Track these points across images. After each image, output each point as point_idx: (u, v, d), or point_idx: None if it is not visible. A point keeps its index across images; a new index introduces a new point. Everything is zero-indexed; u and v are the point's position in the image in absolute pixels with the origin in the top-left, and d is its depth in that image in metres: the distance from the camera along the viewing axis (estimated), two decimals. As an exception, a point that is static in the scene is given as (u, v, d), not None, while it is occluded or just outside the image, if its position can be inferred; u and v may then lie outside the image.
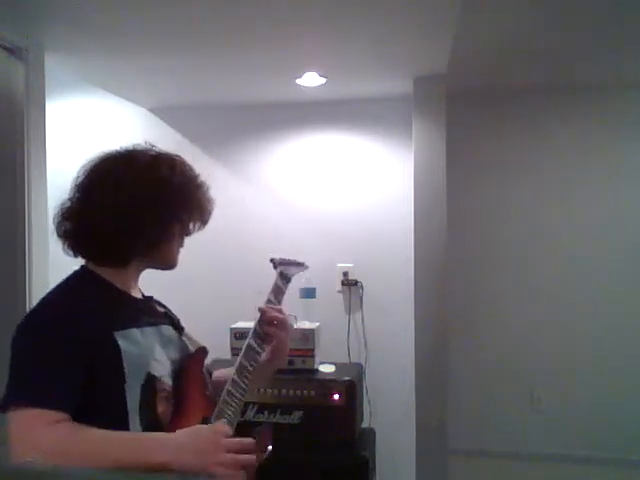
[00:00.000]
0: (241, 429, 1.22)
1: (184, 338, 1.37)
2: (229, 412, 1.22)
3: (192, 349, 1.36)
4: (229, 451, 1.10)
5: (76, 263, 1.29)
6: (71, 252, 1.27)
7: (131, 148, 1.31)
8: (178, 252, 1.33)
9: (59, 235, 1.26)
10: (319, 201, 3.23)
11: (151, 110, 3.33)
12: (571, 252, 3.23)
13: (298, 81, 2.80)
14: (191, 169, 1.33)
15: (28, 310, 1.23)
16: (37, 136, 2.32)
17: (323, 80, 2.79)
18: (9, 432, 1.04)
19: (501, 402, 3.27)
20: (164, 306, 1.45)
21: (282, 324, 1.36)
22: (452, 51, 2.45)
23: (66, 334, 1.11)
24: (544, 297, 3.25)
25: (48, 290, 1.24)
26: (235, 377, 1.26)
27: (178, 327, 1.39)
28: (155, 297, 1.42)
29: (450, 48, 2.41)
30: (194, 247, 1.43)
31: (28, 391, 1.07)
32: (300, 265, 1.53)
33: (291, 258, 1.51)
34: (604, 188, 3.22)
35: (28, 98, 2.27)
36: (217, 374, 1.45)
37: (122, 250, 1.25)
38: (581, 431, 3.18)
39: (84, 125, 3.34)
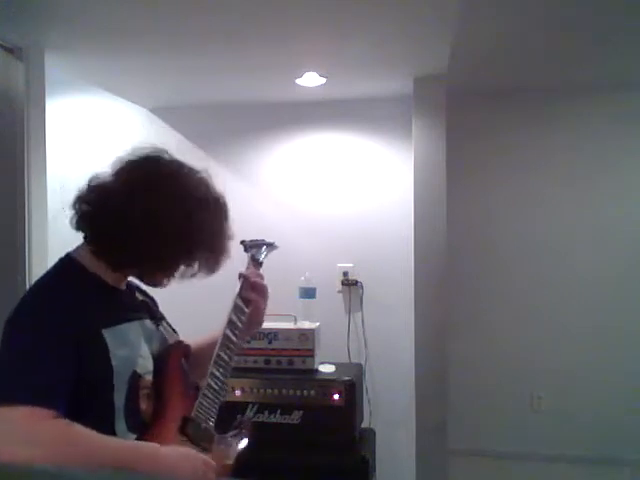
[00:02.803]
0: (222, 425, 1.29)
1: (161, 329, 1.35)
2: (219, 373, 1.27)
3: (170, 341, 1.34)
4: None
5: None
6: (76, 228, 1.21)
7: (172, 164, 1.24)
8: (168, 281, 1.27)
9: (74, 208, 1.19)
10: (319, 201, 3.23)
11: (151, 110, 3.33)
12: (572, 252, 3.23)
13: (298, 81, 2.80)
14: (226, 207, 1.26)
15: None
16: (37, 136, 2.32)
17: (323, 80, 2.79)
18: None
19: (501, 402, 3.27)
20: (143, 291, 1.42)
21: (262, 290, 1.41)
22: (452, 51, 2.45)
23: (57, 332, 1.09)
24: (544, 297, 3.24)
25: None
26: (219, 350, 1.29)
27: (156, 317, 1.36)
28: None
29: (450, 48, 2.41)
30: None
31: (19, 388, 1.04)
32: (270, 245, 1.56)
33: (259, 239, 1.55)
34: (605, 188, 3.21)
35: (28, 98, 2.27)
36: (195, 343, 1.44)
37: (126, 262, 1.21)
38: (581, 431, 3.17)
39: (84, 125, 3.34)
